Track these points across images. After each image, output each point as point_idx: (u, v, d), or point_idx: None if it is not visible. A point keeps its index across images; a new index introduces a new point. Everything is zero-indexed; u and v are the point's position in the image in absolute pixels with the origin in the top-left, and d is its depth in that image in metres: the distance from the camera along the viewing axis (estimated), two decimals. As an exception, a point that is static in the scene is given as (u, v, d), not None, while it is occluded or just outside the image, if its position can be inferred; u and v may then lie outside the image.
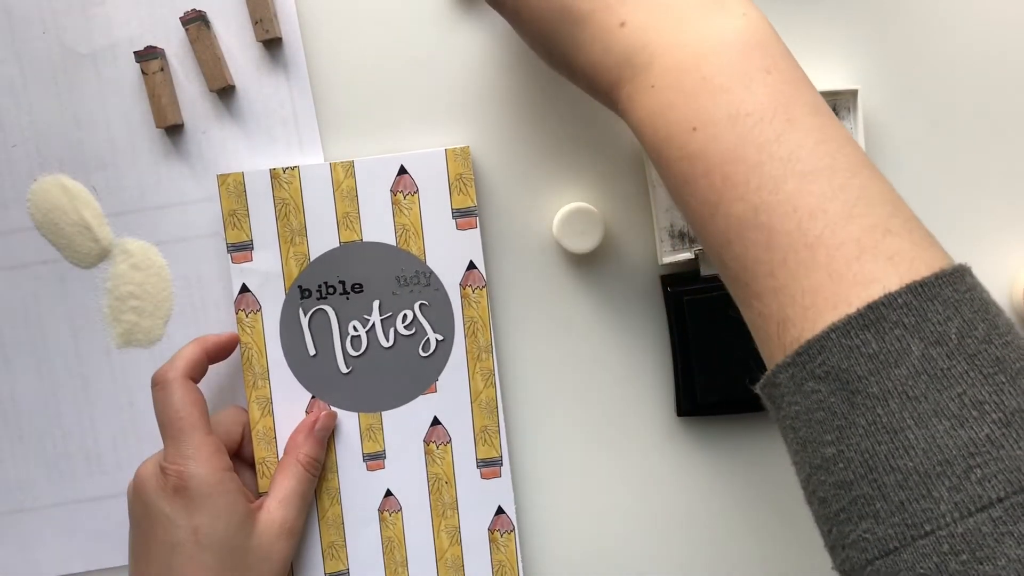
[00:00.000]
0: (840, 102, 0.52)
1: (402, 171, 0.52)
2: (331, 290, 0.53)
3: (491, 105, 0.53)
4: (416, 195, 0.52)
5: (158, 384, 0.49)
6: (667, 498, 0.54)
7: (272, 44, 0.53)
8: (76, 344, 0.54)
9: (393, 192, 0.52)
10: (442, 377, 0.53)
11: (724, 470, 0.54)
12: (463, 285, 0.53)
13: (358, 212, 0.52)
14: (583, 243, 0.52)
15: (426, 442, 0.53)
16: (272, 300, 0.53)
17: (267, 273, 0.53)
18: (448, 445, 0.53)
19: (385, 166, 0.52)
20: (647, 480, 0.54)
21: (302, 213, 0.52)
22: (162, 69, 0.52)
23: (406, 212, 0.52)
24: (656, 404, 0.54)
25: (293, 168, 0.52)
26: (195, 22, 0.52)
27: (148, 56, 0.52)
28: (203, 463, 0.48)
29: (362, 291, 0.53)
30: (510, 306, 0.54)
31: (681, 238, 0.53)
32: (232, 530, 0.48)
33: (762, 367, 0.52)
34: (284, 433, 0.53)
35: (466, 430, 0.53)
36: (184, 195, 0.53)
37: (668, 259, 0.52)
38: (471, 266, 0.53)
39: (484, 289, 0.53)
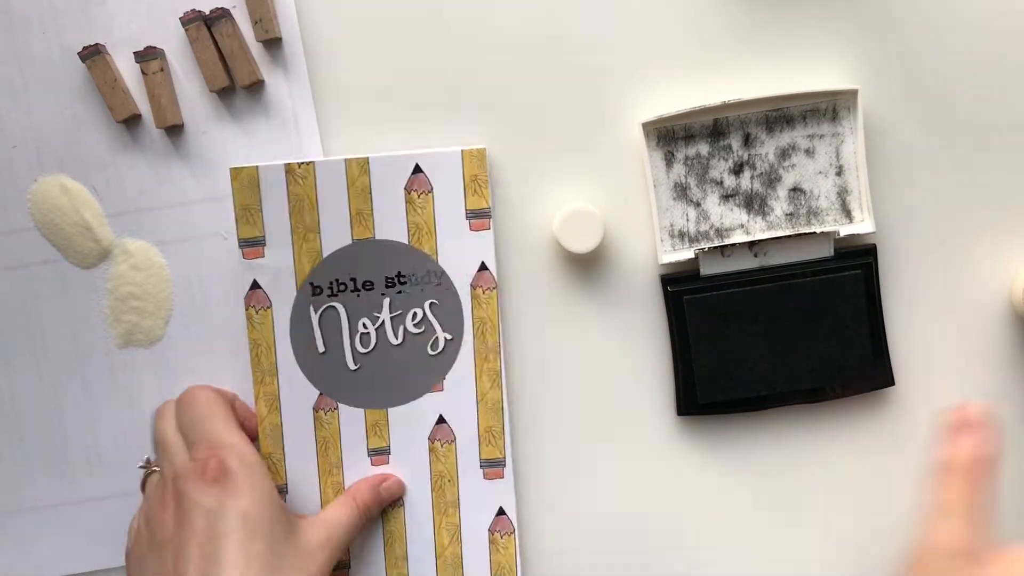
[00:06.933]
0: (840, 102, 0.52)
1: (417, 170, 0.52)
2: (342, 287, 0.52)
3: (490, 106, 0.53)
4: (430, 194, 0.52)
5: (179, 399, 0.50)
6: (667, 498, 0.54)
7: (272, 44, 0.53)
8: (76, 344, 0.54)
9: (407, 191, 0.52)
10: (449, 376, 0.53)
11: (724, 470, 0.54)
12: (474, 286, 0.53)
13: (371, 209, 0.52)
14: (583, 243, 0.52)
15: (431, 440, 0.53)
16: (283, 297, 0.52)
17: (279, 269, 0.52)
18: (452, 444, 0.53)
19: (400, 164, 0.52)
20: (647, 480, 0.54)
21: (316, 209, 0.52)
22: (162, 69, 0.52)
23: (419, 211, 0.52)
24: (656, 404, 0.54)
25: (308, 163, 0.52)
26: (195, 22, 0.52)
27: (148, 56, 0.52)
28: (243, 446, 0.48)
29: (372, 289, 0.52)
30: (509, 306, 0.54)
31: (681, 238, 0.53)
32: (276, 516, 0.46)
33: (764, 367, 0.53)
34: (291, 430, 0.53)
35: (471, 430, 0.53)
36: (184, 195, 0.53)
37: (668, 259, 0.52)
38: (483, 267, 0.53)
39: (495, 291, 0.53)
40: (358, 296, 0.52)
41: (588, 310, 0.54)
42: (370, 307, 0.53)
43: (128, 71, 0.53)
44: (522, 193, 0.53)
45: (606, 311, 0.54)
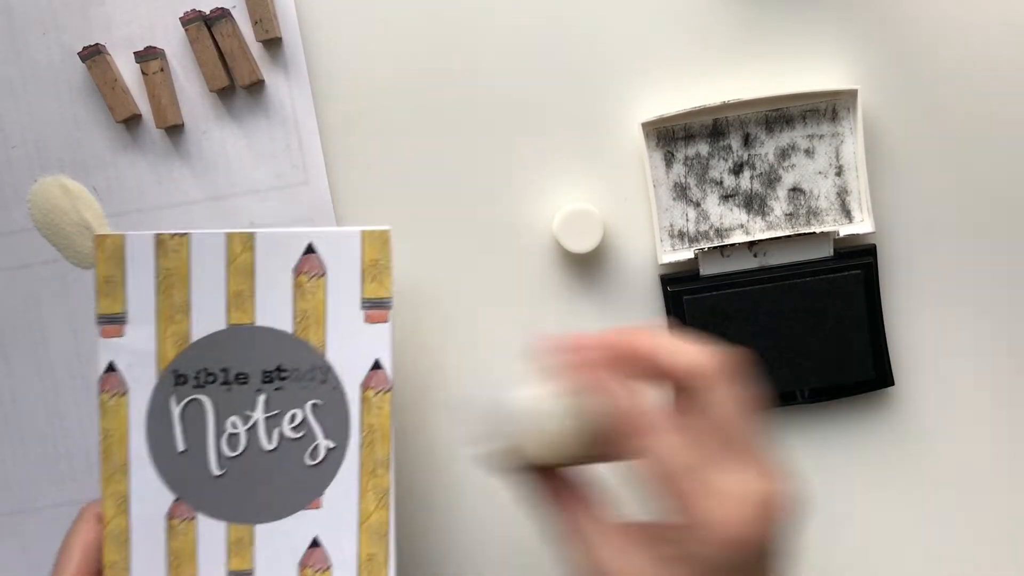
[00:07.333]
0: (840, 102, 0.52)
1: (309, 250, 0.46)
2: (211, 378, 0.46)
3: (490, 106, 0.53)
4: (323, 279, 0.46)
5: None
6: (667, 498, 0.54)
7: (272, 44, 0.53)
8: (77, 344, 0.54)
9: (296, 273, 0.46)
10: (328, 491, 0.46)
11: (724, 470, 0.54)
12: (365, 386, 0.46)
13: (253, 291, 0.46)
14: (583, 243, 0.52)
15: (302, 566, 0.46)
16: (142, 383, 0.46)
17: (139, 352, 0.46)
18: (328, 572, 0.46)
19: (290, 242, 0.46)
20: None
21: (187, 287, 0.46)
22: (162, 69, 0.52)
23: (309, 297, 0.46)
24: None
25: (183, 235, 0.46)
26: (195, 22, 0.52)
27: (148, 56, 0.52)
28: None
29: (246, 382, 0.46)
30: (510, 306, 0.54)
31: (681, 238, 0.53)
32: None
33: (764, 368, 0.52)
34: (139, 537, 0.46)
35: (350, 557, 0.46)
36: (184, 195, 0.53)
37: (668, 259, 0.52)
38: (376, 365, 0.46)
39: (389, 393, 0.46)
40: (229, 390, 0.46)
41: (588, 310, 0.54)
42: (242, 404, 0.46)
43: (128, 71, 0.53)
44: (522, 193, 0.53)
45: (606, 311, 0.54)
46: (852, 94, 0.51)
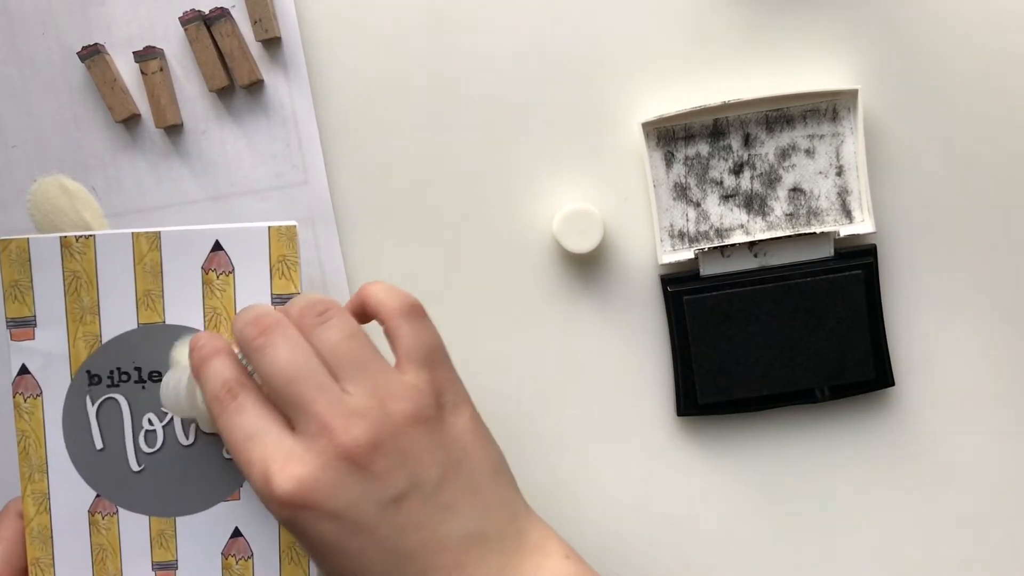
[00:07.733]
0: (840, 102, 0.52)
1: (217, 247, 0.47)
2: (125, 377, 0.47)
3: (490, 105, 0.53)
4: (231, 275, 0.47)
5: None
6: (667, 498, 0.54)
7: (271, 44, 0.53)
8: (76, 344, 0.54)
9: (205, 270, 0.47)
10: (247, 483, 0.47)
11: (724, 470, 0.54)
12: None
13: (162, 290, 0.47)
14: (583, 243, 0.52)
15: (225, 555, 0.48)
16: (55, 385, 0.47)
17: (51, 354, 0.47)
18: (250, 561, 0.48)
19: (197, 240, 0.47)
20: (647, 480, 0.54)
21: (95, 288, 0.47)
22: (161, 69, 0.52)
23: (218, 294, 0.47)
24: (656, 404, 0.54)
25: (88, 237, 0.47)
26: (194, 22, 0.52)
27: (148, 56, 0.52)
28: None
29: (160, 380, 0.47)
30: (507, 307, 0.54)
31: (681, 238, 0.53)
32: None
33: (764, 368, 0.52)
34: (62, 533, 0.48)
35: (271, 545, 0.48)
36: (184, 195, 0.53)
37: (668, 259, 0.52)
38: None
39: None
40: (143, 388, 0.47)
41: (588, 310, 0.54)
42: (157, 401, 0.47)
43: (128, 71, 0.53)
44: (522, 193, 0.53)
45: (606, 311, 0.54)
46: (852, 94, 0.51)
